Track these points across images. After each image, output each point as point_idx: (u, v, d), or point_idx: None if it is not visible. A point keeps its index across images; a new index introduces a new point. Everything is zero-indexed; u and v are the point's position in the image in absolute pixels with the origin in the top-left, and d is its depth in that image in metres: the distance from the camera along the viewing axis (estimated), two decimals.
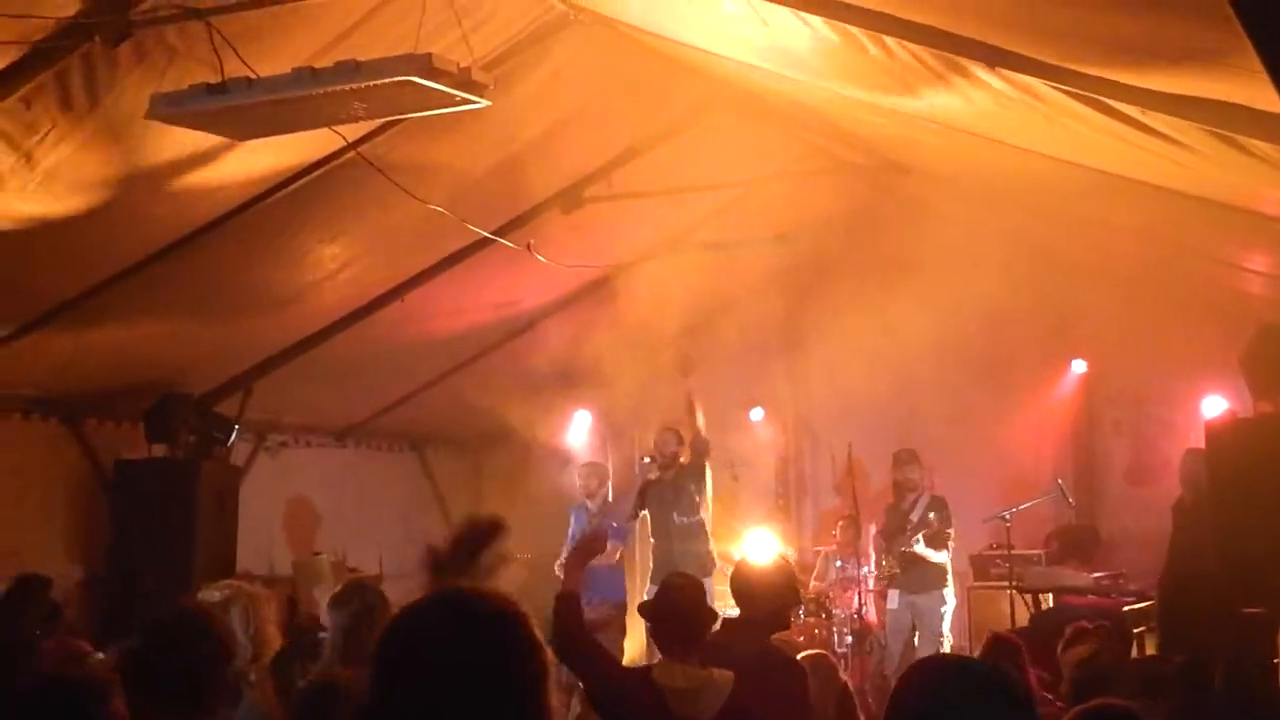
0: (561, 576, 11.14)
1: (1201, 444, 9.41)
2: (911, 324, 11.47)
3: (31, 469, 9.65)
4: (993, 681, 2.64)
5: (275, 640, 5.23)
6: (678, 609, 5.40)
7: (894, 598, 11.17)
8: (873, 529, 11.84)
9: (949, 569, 10.97)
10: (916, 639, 10.85)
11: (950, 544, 10.93)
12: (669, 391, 13.19)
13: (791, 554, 12.18)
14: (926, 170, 9.78)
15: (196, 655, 3.82)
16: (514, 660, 2.13)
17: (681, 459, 10.77)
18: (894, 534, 11.07)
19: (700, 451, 10.88)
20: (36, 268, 7.72)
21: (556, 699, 2.21)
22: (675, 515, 10.51)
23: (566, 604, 5.26)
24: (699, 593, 5.57)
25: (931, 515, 10.85)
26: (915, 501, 11.03)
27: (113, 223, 7.53)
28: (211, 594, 5.17)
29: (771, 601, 5.93)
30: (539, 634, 2.18)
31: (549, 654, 2.19)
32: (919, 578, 10.90)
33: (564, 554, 11.74)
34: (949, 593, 10.93)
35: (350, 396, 12.26)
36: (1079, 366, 12.60)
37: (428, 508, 14.39)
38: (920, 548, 10.78)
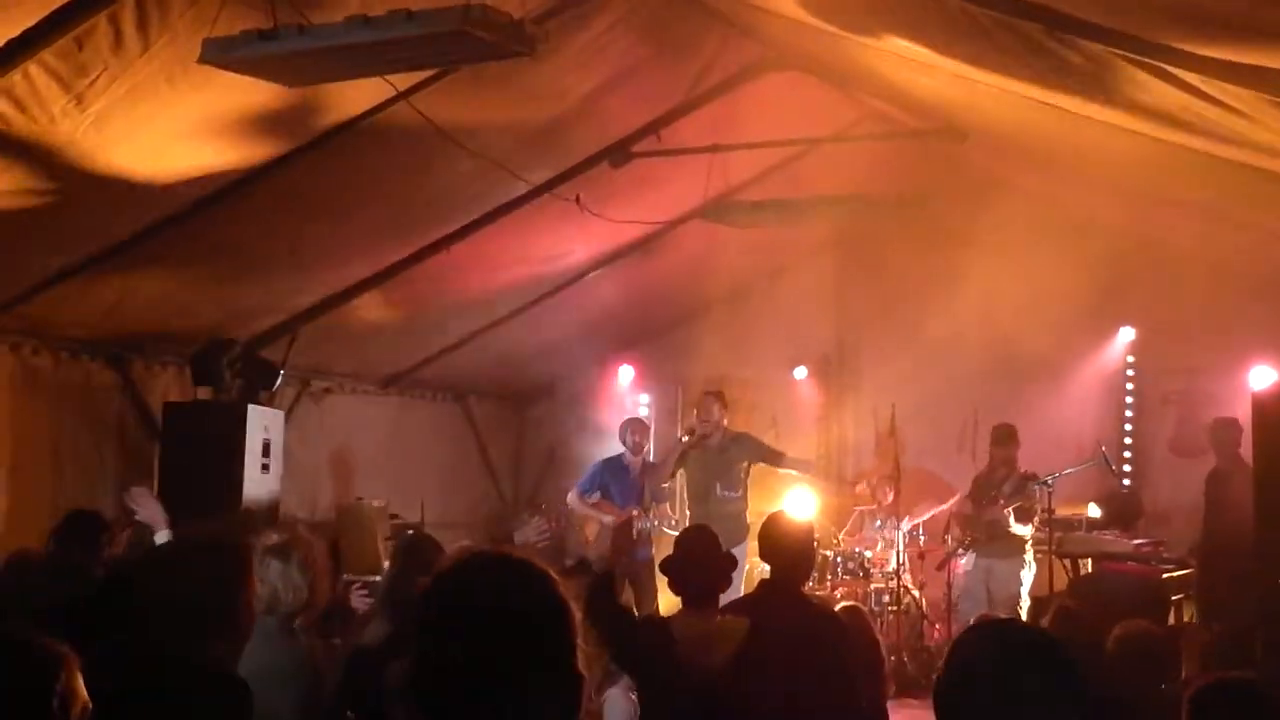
0: (576, 510, 11.37)
1: (1248, 415, 9.35)
2: (959, 289, 11.42)
3: (78, 410, 9.73)
4: (1054, 652, 2.67)
5: (326, 592, 5.27)
6: (691, 561, 5.52)
7: (970, 559, 11.20)
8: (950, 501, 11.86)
9: (1029, 538, 10.98)
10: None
11: (1036, 519, 10.96)
12: (714, 346, 13.22)
13: (813, 506, 12.25)
14: (982, 135, 9.69)
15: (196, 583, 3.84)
16: (546, 616, 2.25)
17: (725, 422, 10.73)
18: (984, 504, 11.07)
19: (776, 459, 10.89)
20: (85, 210, 7.75)
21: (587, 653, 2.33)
22: (718, 486, 10.49)
23: (605, 585, 5.43)
24: (713, 544, 5.71)
25: (1030, 488, 10.86)
26: (1007, 475, 11.05)
27: (162, 167, 7.56)
28: (270, 537, 5.22)
29: (792, 555, 6.00)
30: (564, 592, 2.29)
31: (576, 611, 2.30)
32: (1000, 545, 10.94)
33: (572, 494, 11.74)
34: (1029, 558, 10.95)
35: (395, 346, 12.30)
36: (1127, 334, 12.52)
37: (470, 458, 14.47)
38: (1012, 522, 10.81)
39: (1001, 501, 10.84)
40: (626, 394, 14.37)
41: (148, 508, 6.42)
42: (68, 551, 6.64)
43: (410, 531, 10.71)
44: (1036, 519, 10.97)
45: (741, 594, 6.81)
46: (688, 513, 10.72)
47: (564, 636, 2.25)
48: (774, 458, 10.95)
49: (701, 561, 5.52)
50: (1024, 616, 10.15)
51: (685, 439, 10.74)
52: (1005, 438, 11.16)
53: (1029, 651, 2.66)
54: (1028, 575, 10.91)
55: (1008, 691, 2.58)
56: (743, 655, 5.17)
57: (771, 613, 5.67)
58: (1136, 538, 11.19)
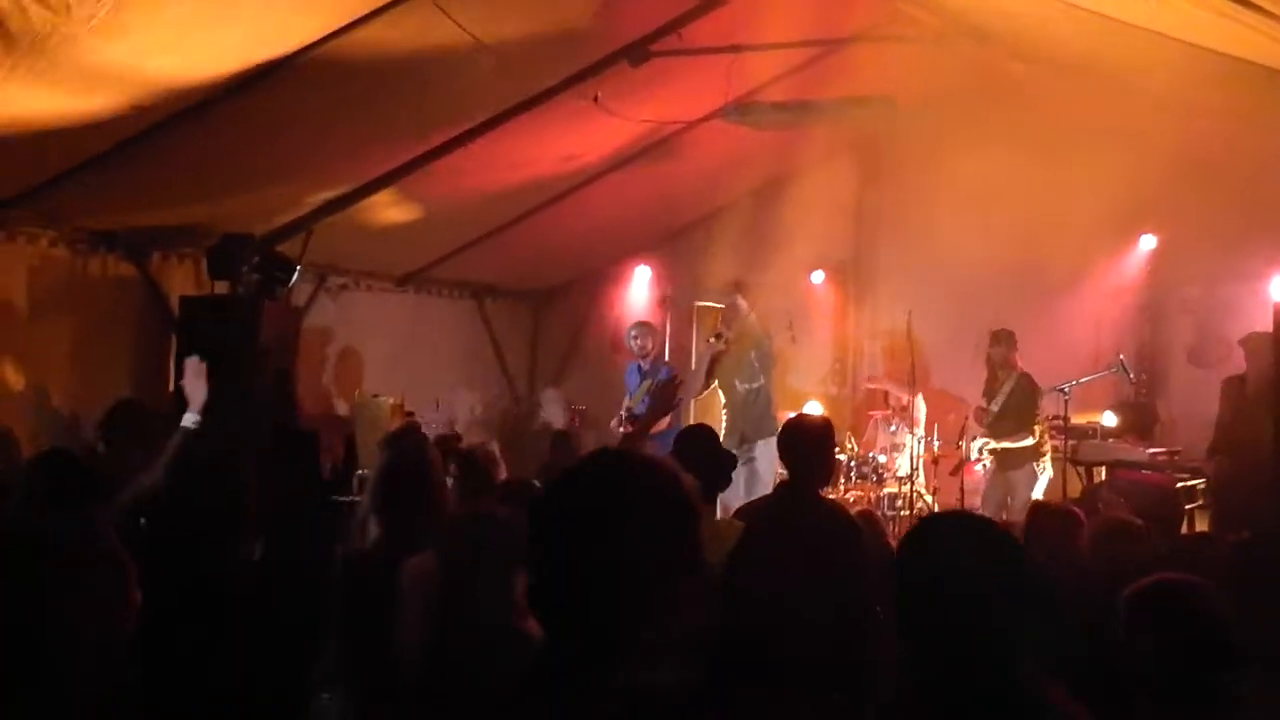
0: (619, 432, 11.48)
1: (1268, 325, 9.31)
2: (979, 195, 11.34)
3: (96, 301, 9.76)
4: (997, 544, 2.78)
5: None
6: (688, 460, 5.51)
7: (991, 466, 11.44)
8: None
9: (1045, 445, 11.09)
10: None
11: (1036, 426, 11.06)
12: (731, 249, 13.17)
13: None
14: (1006, 39, 9.56)
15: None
16: (675, 518, 2.18)
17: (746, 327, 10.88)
18: (982, 414, 11.46)
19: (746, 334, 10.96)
20: (101, 101, 7.68)
21: None
22: (737, 383, 10.73)
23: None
24: (711, 442, 5.68)
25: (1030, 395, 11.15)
26: (1004, 381, 11.22)
27: (179, 58, 7.48)
28: None
29: (808, 457, 6.00)
30: (691, 488, 2.23)
31: (698, 510, 2.23)
32: (1009, 458, 11.17)
33: (623, 410, 11.87)
34: (1042, 466, 11.16)
35: (411, 243, 12.27)
36: (1148, 242, 12.42)
37: (485, 356, 14.51)
38: (992, 444, 11.03)
39: (987, 444, 11.12)
40: (643, 294, 14.34)
41: (194, 384, 6.38)
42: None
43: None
44: (1039, 427, 11.05)
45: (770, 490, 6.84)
46: (722, 415, 10.91)
47: (686, 531, 2.18)
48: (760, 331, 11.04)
49: (699, 460, 5.49)
50: None
51: (713, 340, 10.86)
52: (999, 338, 11.34)
53: (969, 543, 2.76)
54: (1042, 481, 11.02)
55: (948, 581, 2.68)
56: (738, 556, 5.18)
57: (786, 515, 5.70)
58: (1151, 446, 11.21)
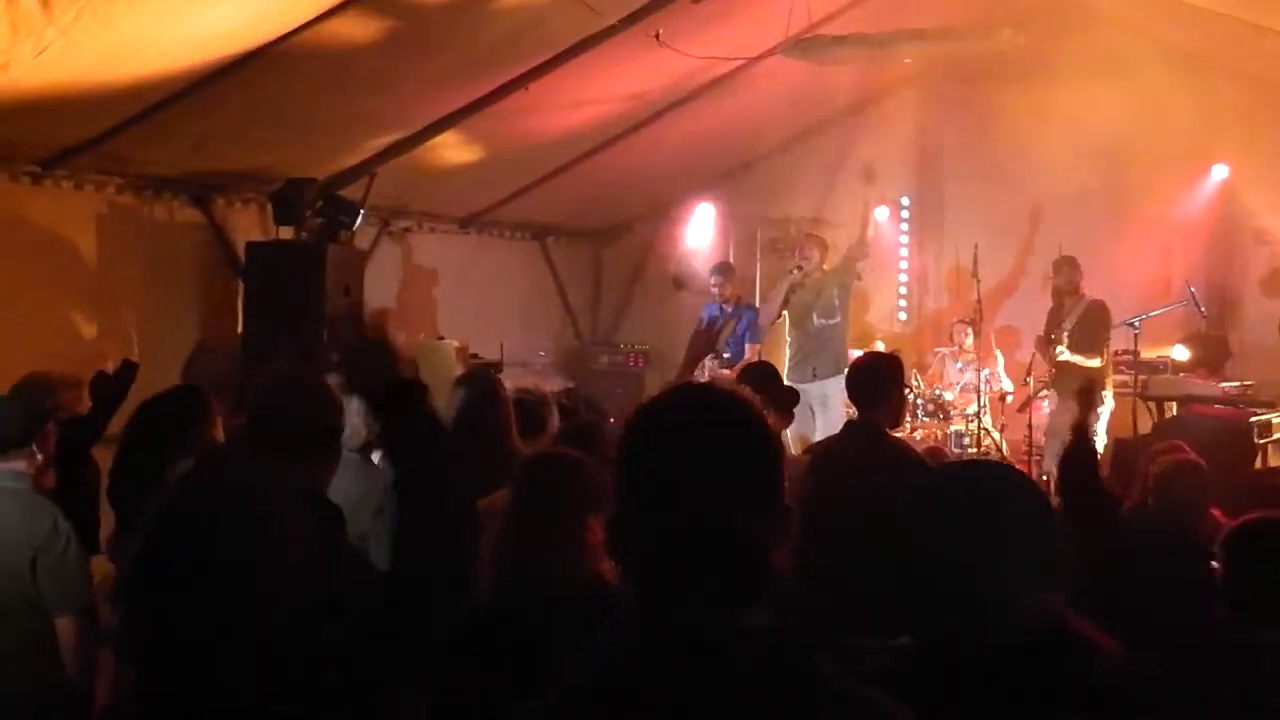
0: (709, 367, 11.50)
1: None
2: (1048, 127, 11.17)
3: (162, 246, 9.83)
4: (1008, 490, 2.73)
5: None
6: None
7: (1052, 398, 11.28)
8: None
9: (1108, 376, 10.96)
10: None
11: (1105, 349, 10.91)
12: (794, 185, 13.09)
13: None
14: None
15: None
16: (766, 450, 2.11)
17: (825, 265, 10.83)
18: (1049, 340, 11.16)
19: (853, 256, 10.95)
20: (162, 50, 7.68)
21: None
22: (814, 316, 10.74)
23: None
24: (772, 378, 5.70)
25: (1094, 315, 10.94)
26: (1072, 309, 11.05)
27: (239, 5, 7.47)
28: (332, 378, 5.26)
29: (873, 395, 5.95)
30: (771, 423, 2.17)
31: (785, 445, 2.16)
32: (1072, 384, 10.93)
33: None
34: (1106, 395, 10.92)
35: (473, 185, 12.26)
36: (1220, 172, 12.20)
37: (548, 297, 14.52)
38: (1065, 355, 10.84)
39: (1057, 348, 10.91)
40: (706, 232, 14.27)
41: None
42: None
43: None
44: (1108, 351, 10.91)
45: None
46: (787, 339, 10.93)
47: (775, 464, 2.11)
48: (851, 259, 11.01)
49: (760, 395, 5.46)
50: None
51: (794, 271, 10.87)
52: (1061, 266, 11.21)
53: (978, 489, 2.75)
54: (1104, 412, 10.86)
55: (955, 527, 2.66)
56: (803, 495, 5.14)
57: (853, 453, 5.66)
58: (1224, 380, 11.06)
